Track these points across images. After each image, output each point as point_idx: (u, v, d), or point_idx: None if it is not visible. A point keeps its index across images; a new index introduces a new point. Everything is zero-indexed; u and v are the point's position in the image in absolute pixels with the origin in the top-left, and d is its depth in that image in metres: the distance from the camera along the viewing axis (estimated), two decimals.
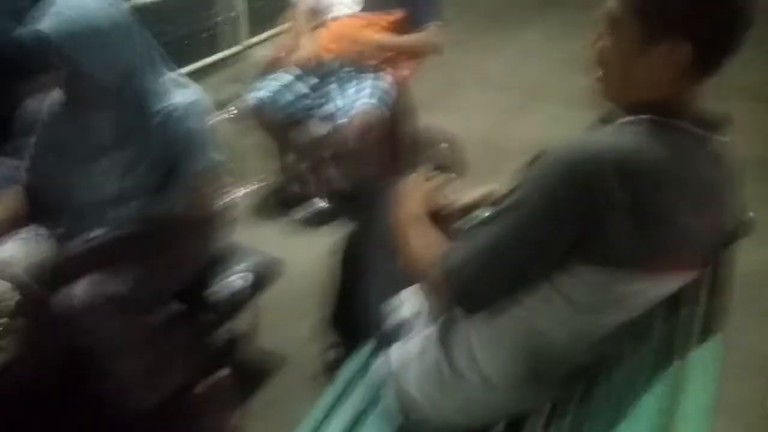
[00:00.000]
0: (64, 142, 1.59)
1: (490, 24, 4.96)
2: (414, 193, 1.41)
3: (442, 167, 2.85)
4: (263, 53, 3.94)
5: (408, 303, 1.30)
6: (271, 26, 4.07)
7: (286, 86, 2.58)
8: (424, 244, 1.24)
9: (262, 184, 2.84)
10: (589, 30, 1.17)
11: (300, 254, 2.22)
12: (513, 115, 3.69)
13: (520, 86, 4.03)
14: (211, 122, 1.65)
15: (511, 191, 1.06)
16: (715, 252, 1.15)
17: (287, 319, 2.18)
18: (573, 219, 0.98)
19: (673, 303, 1.11)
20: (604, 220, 0.97)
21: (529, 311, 1.11)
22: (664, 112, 1.03)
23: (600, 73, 1.11)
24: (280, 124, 2.59)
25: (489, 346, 1.16)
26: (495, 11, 5.37)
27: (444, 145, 2.88)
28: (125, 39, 1.47)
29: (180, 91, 1.60)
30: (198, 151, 1.60)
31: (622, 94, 1.09)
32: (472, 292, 1.09)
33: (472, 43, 4.41)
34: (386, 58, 2.71)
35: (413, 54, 2.74)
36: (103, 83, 1.47)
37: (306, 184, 2.78)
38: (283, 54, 2.77)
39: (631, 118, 1.05)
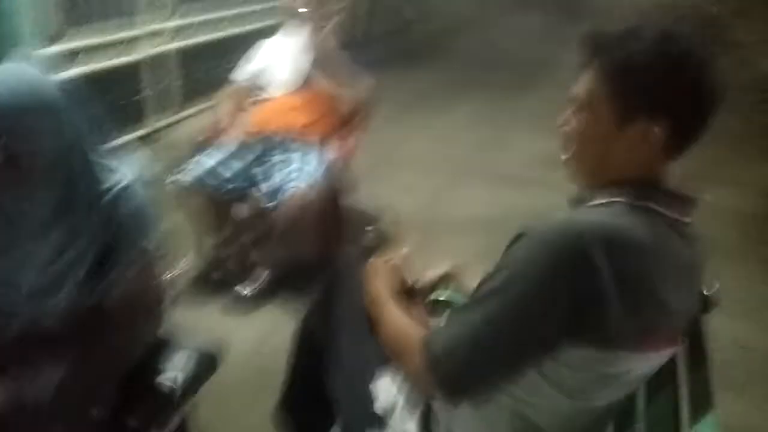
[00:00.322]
0: None
1: (417, 103, 5.11)
2: (380, 273, 1.37)
3: (373, 248, 2.84)
4: (175, 134, 3.85)
5: (384, 392, 1.21)
6: (205, 99, 3.98)
7: (223, 163, 2.50)
8: (399, 325, 1.18)
9: (192, 264, 2.68)
10: (558, 111, 1.19)
11: (233, 343, 2.07)
12: (439, 195, 3.75)
13: (443, 167, 4.12)
14: (154, 199, 1.53)
15: (494, 273, 1.02)
16: (688, 327, 1.15)
17: (228, 415, 2.01)
18: (561, 300, 0.96)
19: (655, 383, 1.09)
20: (594, 300, 0.95)
21: (516, 400, 1.05)
22: (637, 193, 1.04)
23: (570, 153, 1.12)
24: (204, 208, 2.48)
25: None
26: (422, 90, 5.56)
27: (374, 226, 2.87)
28: (54, 117, 1.35)
29: (114, 174, 1.47)
30: (133, 237, 1.47)
31: (594, 174, 1.10)
32: (458, 380, 1.02)
33: (394, 127, 4.50)
34: (326, 135, 2.69)
35: (351, 116, 2.73)
36: (32, 164, 1.33)
37: (230, 270, 2.65)
38: (219, 130, 2.70)
39: (604, 200, 1.05)
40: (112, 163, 1.51)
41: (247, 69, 2.81)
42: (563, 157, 1.14)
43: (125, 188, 1.45)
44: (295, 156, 2.55)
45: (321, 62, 2.60)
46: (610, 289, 0.94)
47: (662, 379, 1.08)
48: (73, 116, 1.40)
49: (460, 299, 1.51)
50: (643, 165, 1.05)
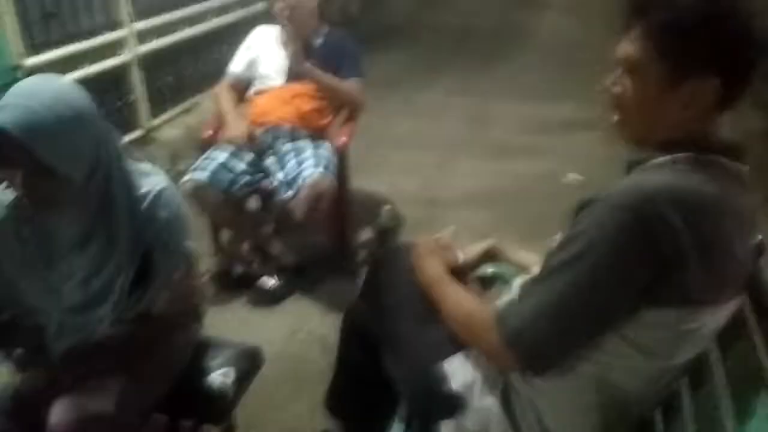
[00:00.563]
0: (19, 250, 1.39)
1: (391, 89, 5.09)
2: (429, 254, 1.37)
3: (390, 228, 2.85)
4: (169, 134, 3.80)
5: (458, 371, 1.22)
6: (173, 105, 3.93)
7: (223, 165, 2.45)
8: (464, 303, 1.19)
9: (214, 261, 2.67)
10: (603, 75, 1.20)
11: (265, 337, 2.07)
12: (436, 171, 3.75)
13: (435, 143, 4.12)
14: (183, 208, 1.51)
15: (567, 242, 1.03)
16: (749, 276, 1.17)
17: (272, 408, 2.02)
18: (642, 264, 0.97)
19: (728, 336, 1.11)
20: (672, 259, 0.96)
21: (599, 365, 1.06)
22: (696, 147, 1.05)
23: (619, 117, 1.12)
24: (222, 204, 2.45)
25: (559, 409, 1.10)
26: (399, 68, 5.53)
27: (387, 206, 2.87)
28: (89, 127, 1.32)
29: (147, 179, 1.45)
30: (174, 241, 1.45)
31: (648, 135, 1.10)
32: (542, 352, 1.04)
33: (378, 109, 4.46)
34: (321, 126, 2.68)
35: (341, 105, 2.72)
36: (68, 178, 1.30)
37: (251, 264, 2.63)
38: (211, 132, 2.67)
39: (667, 157, 1.06)
40: (144, 167, 1.50)
41: (242, 59, 2.76)
42: (612, 119, 1.14)
43: (161, 192, 1.44)
44: (306, 143, 2.53)
45: (303, 71, 2.59)
46: (688, 247, 0.96)
47: (734, 332, 1.09)
48: (104, 124, 1.38)
49: (507, 273, 1.52)
50: (697, 120, 1.06)
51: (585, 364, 1.06)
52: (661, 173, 1.03)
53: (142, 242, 1.41)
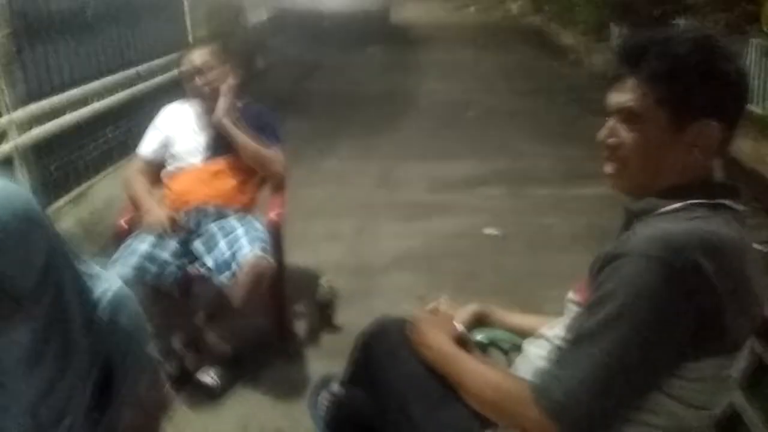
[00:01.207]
0: None
1: (295, 159, 4.99)
2: (432, 328, 1.29)
3: (329, 303, 2.73)
4: (58, 229, 3.49)
5: None
6: (60, 196, 3.62)
7: (147, 256, 2.25)
8: (489, 377, 1.12)
9: None
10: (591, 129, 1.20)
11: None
12: (357, 238, 3.69)
13: (349, 210, 4.07)
14: (141, 311, 1.34)
15: (599, 303, 0.99)
16: None
17: None
18: (685, 316, 0.95)
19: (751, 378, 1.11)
20: (711, 307, 0.95)
21: (643, 426, 1.02)
22: (702, 192, 1.06)
23: (616, 168, 1.12)
24: (150, 299, 2.23)
25: None
26: (294, 146, 5.44)
27: (324, 280, 2.76)
28: (37, 232, 1.15)
29: (98, 281, 1.28)
30: (137, 348, 1.28)
31: (650, 183, 1.10)
32: (590, 422, 0.98)
33: (292, 170, 4.38)
34: (247, 203, 2.55)
35: (263, 178, 2.62)
36: (15, 290, 1.12)
37: (185, 359, 2.41)
38: (126, 222, 2.46)
39: (678, 204, 1.06)
40: (92, 268, 1.32)
41: (152, 140, 2.60)
42: (609, 170, 1.13)
43: (117, 295, 1.27)
44: (235, 222, 2.39)
45: (227, 126, 2.47)
46: (722, 293, 0.95)
47: (754, 374, 1.09)
48: (51, 226, 1.21)
49: (500, 338, 1.46)
50: (698, 164, 1.07)
51: (629, 427, 1.02)
52: (681, 221, 1.03)
53: (100, 354, 1.23)
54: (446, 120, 6.25)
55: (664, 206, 1.07)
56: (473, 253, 3.47)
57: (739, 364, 1.08)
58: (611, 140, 1.11)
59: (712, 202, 1.05)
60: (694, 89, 1.03)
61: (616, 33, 8.03)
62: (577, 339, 1.01)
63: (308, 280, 2.96)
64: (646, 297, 0.95)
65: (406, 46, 10.65)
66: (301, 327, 2.73)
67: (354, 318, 2.76)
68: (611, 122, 1.12)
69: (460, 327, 1.34)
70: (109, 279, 1.30)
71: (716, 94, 1.04)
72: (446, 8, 16.22)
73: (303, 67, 8.52)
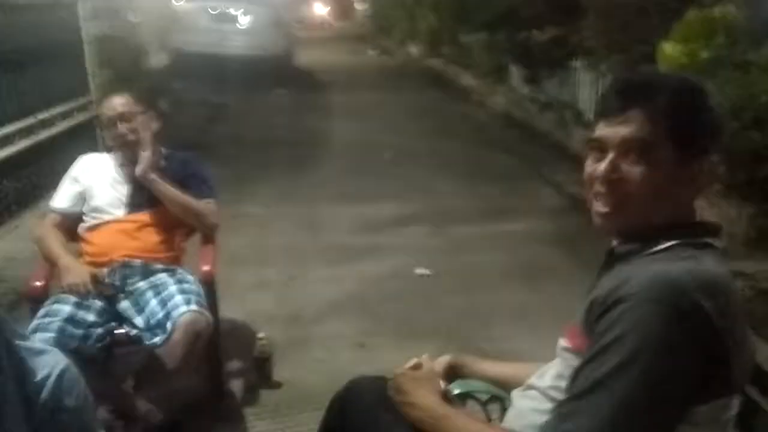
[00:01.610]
0: None
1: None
2: (417, 387, 1.21)
3: (267, 358, 2.59)
4: None
5: None
6: None
7: (69, 319, 2.04)
8: None
9: None
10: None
11: None
12: (287, 285, 3.56)
13: (276, 257, 3.94)
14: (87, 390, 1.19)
15: (604, 352, 0.95)
16: None
17: None
18: (693, 358, 0.94)
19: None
20: (716, 348, 0.95)
21: None
22: (689, 231, 1.06)
23: (614, 205, 1.08)
24: (86, 353, 2.03)
25: None
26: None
27: (261, 335, 2.62)
28: None
29: (40, 359, 1.13)
30: (88, 417, 1.14)
31: (645, 222, 1.08)
32: None
33: None
34: (175, 257, 2.39)
35: (191, 230, 2.48)
36: None
37: (113, 431, 2.18)
38: (41, 283, 2.23)
39: (667, 244, 1.04)
40: (34, 345, 1.17)
41: (67, 193, 2.40)
42: (604, 209, 1.09)
43: (62, 375, 1.13)
44: (165, 278, 2.22)
45: (153, 180, 2.32)
46: (724, 332, 0.95)
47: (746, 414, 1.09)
48: None
49: (480, 388, 1.40)
50: (690, 202, 1.07)
51: None
52: (675, 261, 1.01)
53: None
54: (363, 161, 6.25)
55: (652, 247, 1.06)
56: (407, 294, 3.43)
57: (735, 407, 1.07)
58: (614, 175, 1.07)
59: (698, 241, 1.05)
60: (698, 125, 1.04)
61: (516, 75, 8.39)
62: (588, 389, 0.96)
63: (241, 334, 2.81)
64: (654, 342, 0.92)
65: (312, 88, 10.66)
66: (238, 385, 2.56)
67: (294, 371, 2.64)
68: (611, 156, 1.07)
69: (443, 383, 1.27)
70: (54, 357, 1.15)
71: (715, 131, 1.06)
72: (346, 51, 16.47)
73: (209, 110, 8.31)
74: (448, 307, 3.29)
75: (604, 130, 1.08)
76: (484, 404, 1.38)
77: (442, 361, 1.43)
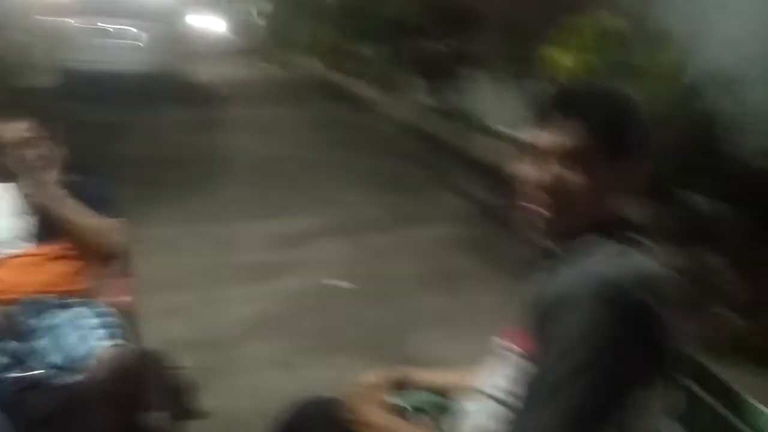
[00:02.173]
0: None
1: None
2: (369, 404, 1.21)
3: (189, 386, 2.50)
4: None
5: None
6: None
7: None
8: None
9: None
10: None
11: None
12: (203, 308, 3.46)
13: (187, 278, 3.81)
14: None
15: (553, 354, 0.99)
16: None
17: None
18: (640, 349, 0.99)
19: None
20: (659, 337, 1.00)
21: None
22: (620, 229, 1.13)
23: (555, 209, 1.13)
24: None
25: None
26: None
27: (182, 363, 2.53)
28: None
29: None
30: None
31: (581, 223, 1.13)
32: None
33: None
34: (87, 289, 2.26)
35: (101, 258, 2.34)
36: None
37: None
38: None
39: (601, 243, 1.10)
40: None
41: None
42: (545, 213, 1.14)
43: None
44: (82, 311, 2.10)
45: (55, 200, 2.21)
46: (663, 321, 1.00)
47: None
48: None
49: (427, 399, 1.42)
50: (614, 203, 1.14)
51: None
52: (611, 260, 1.06)
53: None
54: (268, 176, 6.18)
55: (587, 247, 1.11)
56: (328, 308, 3.42)
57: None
58: (559, 184, 1.12)
59: (629, 237, 1.11)
60: (625, 130, 1.12)
61: (418, 86, 8.56)
62: (546, 397, 0.99)
63: (160, 364, 2.70)
64: (605, 343, 0.97)
65: (212, 104, 10.43)
66: (161, 419, 2.46)
67: (220, 399, 2.57)
68: (555, 165, 1.12)
69: (392, 398, 1.29)
70: None
71: (639, 134, 1.14)
72: (245, 66, 16.26)
73: (102, 131, 7.94)
74: (371, 318, 3.31)
75: (543, 138, 1.13)
76: (433, 416, 1.40)
77: (386, 375, 1.43)
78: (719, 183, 3.49)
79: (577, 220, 1.13)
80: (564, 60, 4.83)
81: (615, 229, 1.12)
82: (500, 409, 1.13)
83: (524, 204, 1.16)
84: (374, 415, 1.20)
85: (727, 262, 3.26)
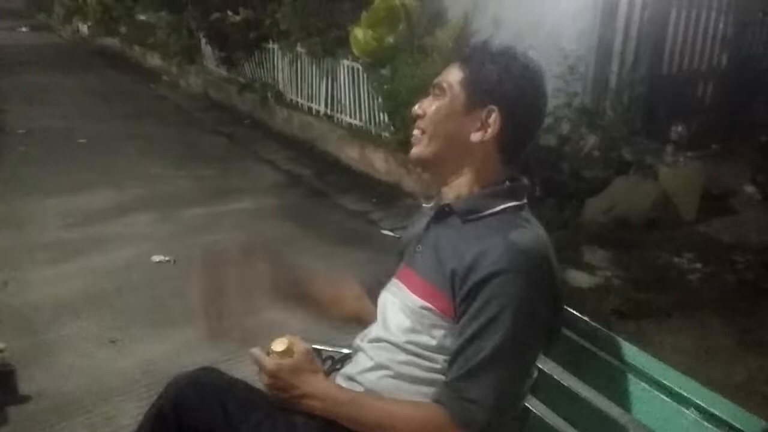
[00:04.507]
0: None
1: None
2: (303, 374, 1.22)
3: (7, 372, 2.34)
4: None
5: None
6: None
7: None
8: (395, 413, 1.15)
9: None
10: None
11: None
12: (10, 288, 3.16)
13: None
14: None
15: (484, 327, 1.10)
16: None
17: None
18: (552, 311, 1.18)
19: None
20: (559, 297, 1.19)
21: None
22: (513, 194, 1.23)
23: (416, 135, 1.27)
24: None
25: None
26: None
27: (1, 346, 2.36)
28: None
29: None
30: None
31: (442, 159, 1.25)
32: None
33: None
34: None
35: None
36: None
37: None
38: None
39: (498, 208, 1.21)
40: None
41: None
42: (412, 138, 1.28)
43: None
44: None
45: None
46: (558, 282, 1.19)
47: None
48: None
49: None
50: (495, 162, 1.24)
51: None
52: (517, 228, 1.16)
53: None
54: (57, 149, 5.67)
55: (486, 209, 1.21)
56: (149, 283, 3.30)
57: None
58: (417, 110, 1.26)
59: (521, 203, 1.23)
60: (487, 75, 1.21)
61: (209, 56, 8.30)
62: (481, 363, 1.09)
63: None
64: (526, 308, 1.10)
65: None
66: None
67: (45, 381, 2.43)
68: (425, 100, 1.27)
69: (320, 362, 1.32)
70: None
71: (504, 86, 1.20)
72: (2, 29, 14.41)
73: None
74: (197, 289, 3.26)
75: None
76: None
77: (280, 343, 1.30)
78: None
79: (440, 152, 1.25)
80: (361, 36, 5.07)
81: (508, 193, 1.23)
82: (402, 356, 1.21)
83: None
84: (313, 385, 1.21)
85: None
